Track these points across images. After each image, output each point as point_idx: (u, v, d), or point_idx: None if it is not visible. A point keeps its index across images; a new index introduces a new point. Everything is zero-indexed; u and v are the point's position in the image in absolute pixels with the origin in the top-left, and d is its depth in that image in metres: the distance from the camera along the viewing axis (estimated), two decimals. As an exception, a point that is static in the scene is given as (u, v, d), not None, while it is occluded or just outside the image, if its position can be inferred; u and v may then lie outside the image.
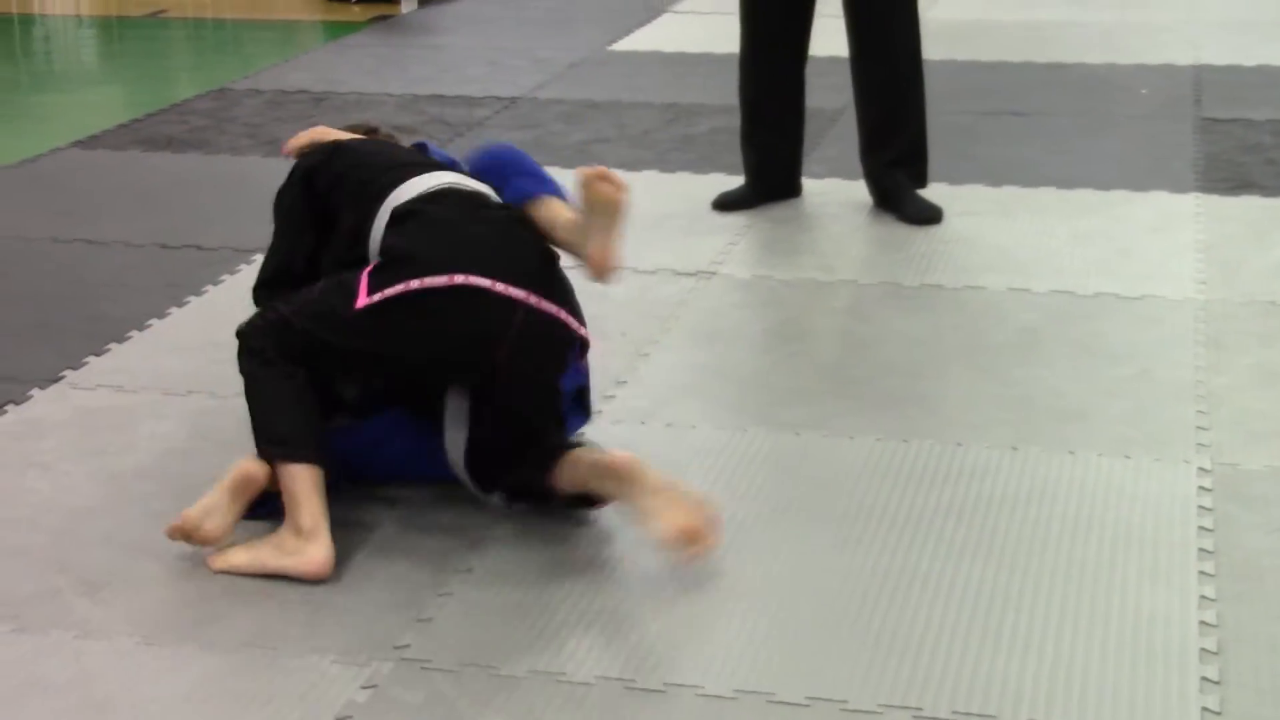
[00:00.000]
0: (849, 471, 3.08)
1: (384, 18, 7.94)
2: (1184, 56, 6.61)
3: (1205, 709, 2.35)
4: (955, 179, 4.88)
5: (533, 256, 2.88)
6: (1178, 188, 4.83)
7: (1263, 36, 6.94)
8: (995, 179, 4.94)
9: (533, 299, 2.78)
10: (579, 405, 3.04)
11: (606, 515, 2.90)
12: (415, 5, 8.15)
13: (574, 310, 2.89)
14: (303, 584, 2.68)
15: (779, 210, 4.65)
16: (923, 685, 2.41)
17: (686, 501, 2.67)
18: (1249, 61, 6.50)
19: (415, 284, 2.75)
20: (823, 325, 3.90)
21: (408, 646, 2.51)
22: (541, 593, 2.66)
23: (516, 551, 2.79)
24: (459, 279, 2.75)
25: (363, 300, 2.77)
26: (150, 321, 3.86)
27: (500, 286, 2.75)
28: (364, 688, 2.41)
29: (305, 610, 2.62)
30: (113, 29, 8.19)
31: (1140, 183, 4.88)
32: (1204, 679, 2.41)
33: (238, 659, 2.48)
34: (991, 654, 2.48)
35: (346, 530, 2.86)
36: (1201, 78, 6.24)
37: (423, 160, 3.10)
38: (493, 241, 2.86)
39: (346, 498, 2.97)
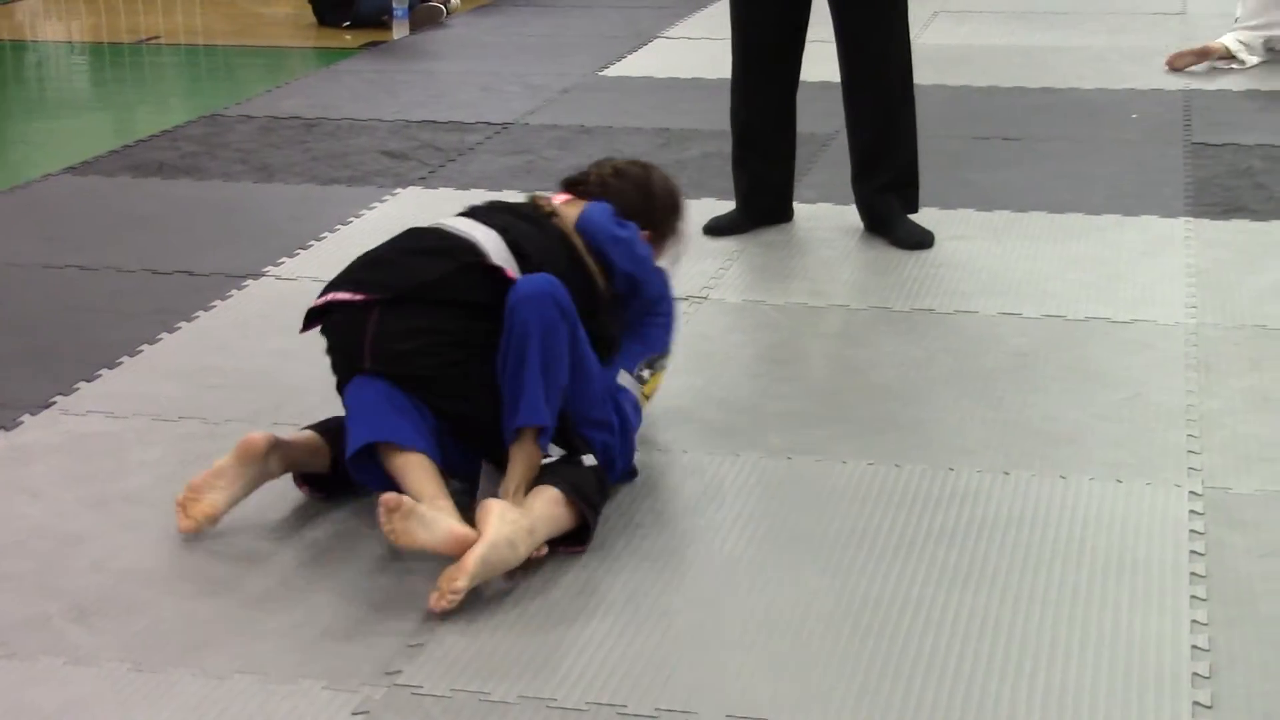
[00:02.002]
0: (840, 496, 3.08)
1: (376, 43, 7.96)
2: (1174, 81, 6.63)
3: (1198, 733, 2.35)
4: (946, 203, 4.89)
5: (429, 268, 2.96)
6: (1168, 212, 4.84)
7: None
8: (986, 203, 4.95)
9: (385, 296, 2.91)
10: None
11: (599, 540, 2.90)
12: (407, 31, 8.17)
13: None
14: (293, 611, 2.68)
15: (770, 235, 4.66)
16: (915, 711, 2.40)
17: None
18: (1238, 86, 6.52)
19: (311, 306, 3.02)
20: (814, 350, 3.90)
21: (399, 673, 2.51)
22: (533, 618, 2.66)
23: (509, 577, 2.78)
24: (328, 296, 2.98)
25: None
26: (141, 347, 3.86)
27: (360, 296, 2.93)
28: (355, 714, 2.41)
29: (296, 636, 2.61)
30: (104, 55, 8.20)
31: (1131, 207, 4.89)
32: (1196, 703, 2.41)
33: (229, 685, 2.48)
34: (983, 680, 2.48)
35: (336, 556, 2.86)
36: (1191, 102, 6.26)
37: (485, 210, 3.17)
38: (391, 258, 3.02)
39: (337, 523, 2.97)
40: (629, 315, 3.19)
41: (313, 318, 3.03)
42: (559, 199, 3.25)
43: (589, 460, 2.96)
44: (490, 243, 3.01)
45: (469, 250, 2.99)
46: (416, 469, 2.81)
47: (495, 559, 2.68)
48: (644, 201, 3.30)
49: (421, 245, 3.04)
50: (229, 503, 2.90)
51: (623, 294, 3.15)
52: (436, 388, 2.89)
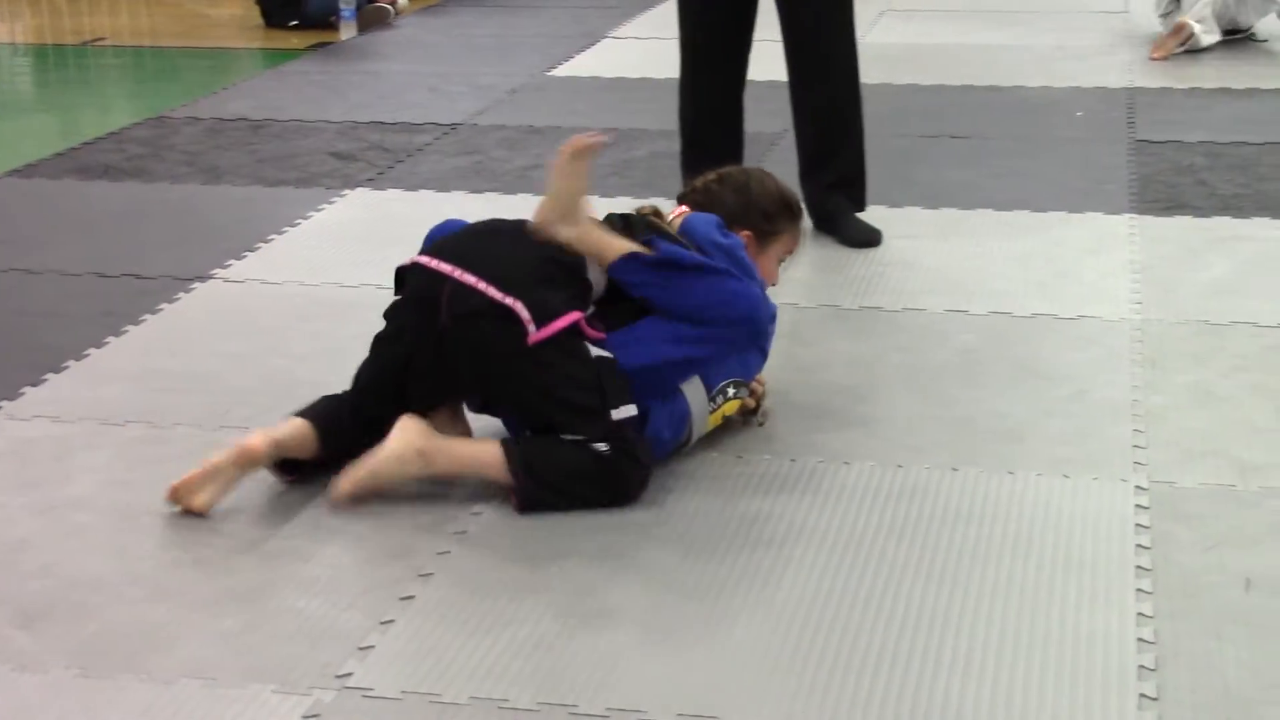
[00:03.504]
0: (789, 493, 3.09)
1: (323, 44, 7.93)
2: (1118, 79, 6.68)
3: (1144, 726, 2.37)
4: (894, 202, 4.92)
5: (504, 254, 3.09)
6: (1113, 209, 4.88)
7: (1193, 59, 7.02)
8: (934, 201, 4.97)
9: (458, 273, 3.03)
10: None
11: (545, 541, 2.90)
12: (355, 32, 8.14)
13: (529, 298, 3.01)
14: (242, 614, 2.67)
15: (719, 234, 4.66)
16: (864, 706, 2.41)
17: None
18: (1180, 84, 6.58)
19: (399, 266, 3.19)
20: (763, 348, 3.91)
21: (350, 675, 2.50)
22: (484, 619, 2.66)
23: (459, 579, 2.78)
24: (415, 259, 3.14)
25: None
26: (88, 351, 3.83)
27: (434, 263, 3.08)
28: (305, 717, 2.40)
29: (246, 639, 2.60)
30: (48, 57, 8.14)
31: (1076, 204, 4.93)
32: (1142, 695, 2.43)
33: (177, 689, 2.46)
34: (932, 674, 2.49)
35: (287, 559, 2.85)
36: (1135, 100, 6.31)
37: None
38: (473, 240, 3.17)
39: (284, 526, 2.96)
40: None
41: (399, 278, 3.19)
42: (675, 213, 3.35)
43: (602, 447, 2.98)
44: None
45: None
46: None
47: (383, 471, 2.99)
48: (742, 203, 3.41)
49: (507, 226, 3.21)
50: (217, 499, 3.02)
51: None
52: (488, 361, 3.04)
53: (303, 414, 3.12)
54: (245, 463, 3.01)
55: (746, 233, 3.35)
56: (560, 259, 3.10)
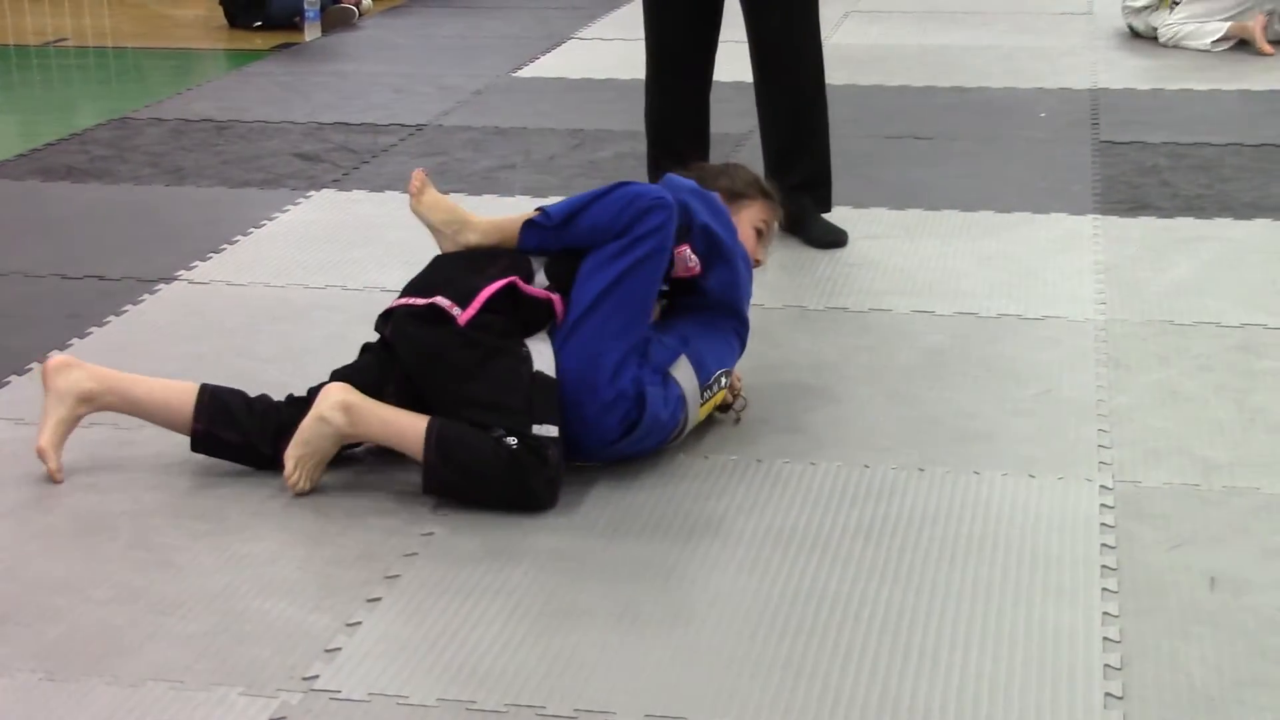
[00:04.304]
0: (757, 494, 3.09)
1: (287, 45, 7.90)
2: (1081, 80, 6.71)
3: (1110, 724, 2.38)
4: (860, 202, 4.93)
5: (429, 273, 3.24)
6: (1077, 209, 4.90)
7: (1157, 61, 7.07)
8: (899, 202, 4.99)
9: (393, 303, 3.16)
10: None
11: (509, 542, 2.90)
12: (319, 33, 8.12)
13: (446, 289, 3.11)
14: (209, 616, 2.66)
15: (685, 235, 4.66)
16: (832, 706, 2.42)
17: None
18: (1144, 85, 6.61)
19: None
20: (730, 349, 3.92)
21: (316, 677, 2.50)
22: (450, 621, 2.65)
23: (426, 580, 2.78)
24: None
25: None
26: (51, 353, 3.81)
27: (390, 303, 3.19)
28: (272, 720, 2.40)
29: (212, 642, 2.59)
30: (10, 58, 8.09)
31: (1041, 204, 4.95)
32: (1108, 694, 2.44)
33: (143, 692, 2.45)
34: (900, 674, 2.50)
35: (254, 561, 2.84)
36: (1099, 101, 6.34)
37: None
38: (413, 279, 3.24)
39: (251, 527, 2.95)
40: (713, 304, 3.30)
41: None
42: None
43: (510, 441, 2.98)
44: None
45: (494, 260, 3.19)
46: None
47: (309, 435, 3.03)
48: (710, 176, 3.48)
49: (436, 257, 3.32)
50: (55, 439, 3.14)
51: (701, 254, 3.22)
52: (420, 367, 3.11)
53: (215, 388, 3.19)
54: (49, 385, 3.11)
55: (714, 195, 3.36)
56: (481, 249, 3.22)
